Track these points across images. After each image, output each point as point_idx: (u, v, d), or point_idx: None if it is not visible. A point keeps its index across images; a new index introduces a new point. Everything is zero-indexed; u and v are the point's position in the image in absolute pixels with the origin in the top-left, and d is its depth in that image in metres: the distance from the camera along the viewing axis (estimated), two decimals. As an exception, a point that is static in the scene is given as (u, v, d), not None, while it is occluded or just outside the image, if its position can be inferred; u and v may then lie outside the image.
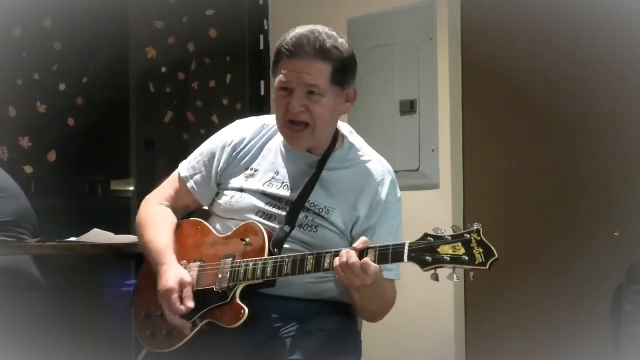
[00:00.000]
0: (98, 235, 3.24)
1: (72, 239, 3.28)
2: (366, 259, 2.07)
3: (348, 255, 2.08)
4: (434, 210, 3.88)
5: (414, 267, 2.31)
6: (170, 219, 2.44)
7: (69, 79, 4.75)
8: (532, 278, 3.71)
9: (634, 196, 3.49)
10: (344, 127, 2.43)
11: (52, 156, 4.65)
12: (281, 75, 2.27)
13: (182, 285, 2.23)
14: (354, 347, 2.37)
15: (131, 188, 5.55)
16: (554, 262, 3.67)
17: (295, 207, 2.29)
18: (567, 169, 3.68)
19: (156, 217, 2.44)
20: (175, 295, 2.22)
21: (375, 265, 2.07)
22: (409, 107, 4.01)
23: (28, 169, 4.33)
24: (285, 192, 2.32)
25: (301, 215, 2.29)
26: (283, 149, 2.38)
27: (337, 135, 2.38)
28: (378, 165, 2.38)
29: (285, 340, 2.24)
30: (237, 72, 5.02)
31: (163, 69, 5.12)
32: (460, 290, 3.86)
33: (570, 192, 3.66)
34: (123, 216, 5.20)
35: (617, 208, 3.53)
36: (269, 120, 2.43)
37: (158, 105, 5.26)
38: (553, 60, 3.70)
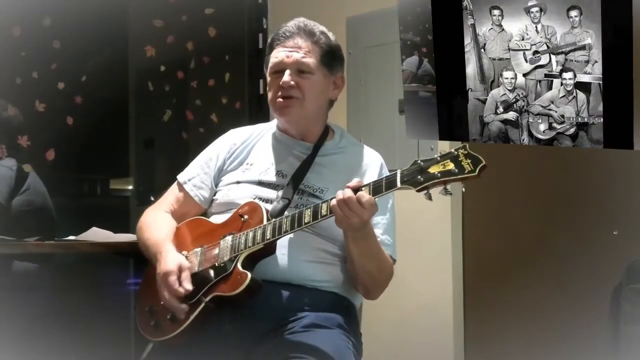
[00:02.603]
0: (97, 234, 3.25)
1: (72, 237, 3.28)
2: (360, 192, 2.13)
3: (344, 192, 2.13)
4: (433, 209, 3.88)
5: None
6: (169, 220, 2.48)
7: (68, 78, 4.74)
8: (531, 277, 3.71)
9: (634, 195, 3.49)
10: (336, 127, 2.55)
11: (51, 155, 4.64)
12: (275, 59, 2.41)
13: (180, 268, 2.25)
14: (355, 345, 2.36)
15: (130, 187, 5.55)
16: (553, 261, 3.67)
17: (290, 185, 2.36)
18: (567, 168, 3.68)
19: (154, 220, 2.49)
20: (173, 277, 2.23)
21: (370, 196, 2.12)
22: (408, 106, 4.00)
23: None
24: (281, 179, 2.40)
25: (296, 196, 2.35)
26: (276, 142, 2.48)
27: (328, 130, 2.50)
28: (368, 150, 2.52)
29: (285, 337, 2.24)
30: (236, 71, 5.02)
31: (162, 68, 5.11)
32: (460, 289, 3.86)
33: (570, 190, 3.66)
34: (122, 215, 5.20)
35: (616, 207, 3.53)
36: (259, 127, 2.55)
37: (157, 104, 5.26)
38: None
